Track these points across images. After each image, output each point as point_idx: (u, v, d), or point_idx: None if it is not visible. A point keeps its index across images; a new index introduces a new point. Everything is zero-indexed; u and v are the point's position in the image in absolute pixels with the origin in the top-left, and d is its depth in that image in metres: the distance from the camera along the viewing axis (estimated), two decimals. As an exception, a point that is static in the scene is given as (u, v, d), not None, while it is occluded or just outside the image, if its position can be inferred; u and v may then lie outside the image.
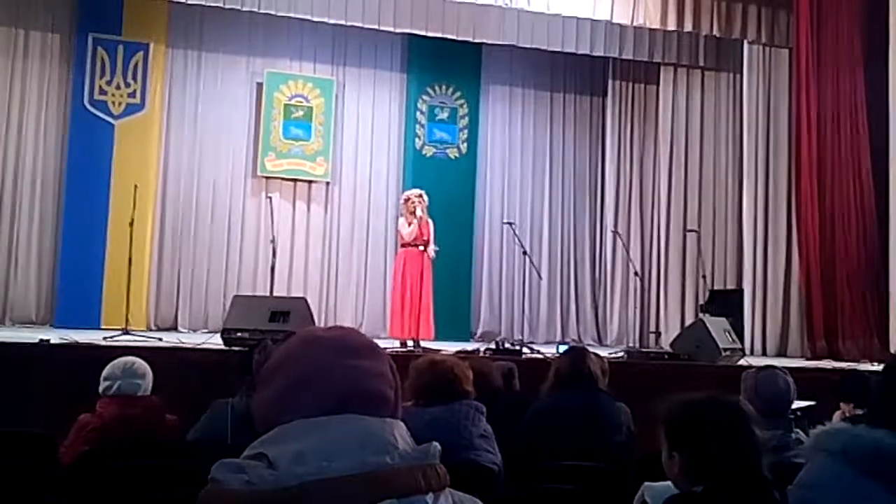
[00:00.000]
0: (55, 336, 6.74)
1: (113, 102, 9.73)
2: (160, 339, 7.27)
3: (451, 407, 3.27)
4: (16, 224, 9.53)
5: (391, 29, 10.07)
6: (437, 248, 8.27)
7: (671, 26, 9.88)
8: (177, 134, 10.17)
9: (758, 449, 2.03)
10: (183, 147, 10.18)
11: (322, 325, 8.69)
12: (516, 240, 9.32)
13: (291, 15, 9.64)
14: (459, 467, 2.30)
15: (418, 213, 8.06)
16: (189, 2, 9.34)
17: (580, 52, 10.70)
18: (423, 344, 7.76)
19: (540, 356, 7.25)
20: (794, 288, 9.97)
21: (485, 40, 10.50)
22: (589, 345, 9.64)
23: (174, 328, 9.73)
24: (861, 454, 1.84)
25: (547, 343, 10.03)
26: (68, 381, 5.28)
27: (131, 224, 8.18)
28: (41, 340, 6.33)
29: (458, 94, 11.06)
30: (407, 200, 8.29)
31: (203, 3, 9.35)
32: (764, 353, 9.85)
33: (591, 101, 11.75)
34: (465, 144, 11.05)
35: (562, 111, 11.63)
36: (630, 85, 11.66)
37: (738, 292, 10.31)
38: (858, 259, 9.26)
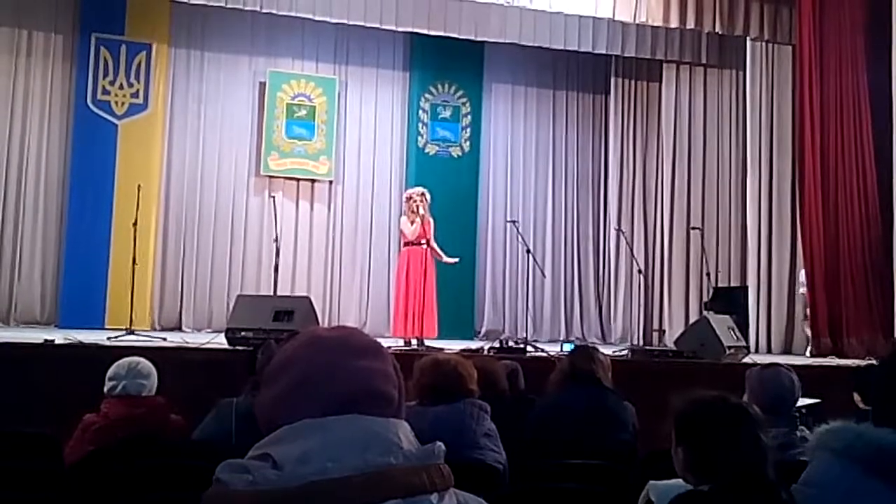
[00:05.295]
0: (59, 336, 6.75)
1: (116, 102, 9.75)
2: (164, 339, 7.27)
3: (456, 406, 3.26)
4: (20, 224, 9.56)
5: (393, 28, 10.08)
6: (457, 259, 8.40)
7: (673, 24, 9.86)
8: (180, 134, 10.19)
9: (762, 453, 2.03)
10: (186, 147, 10.20)
11: (326, 324, 8.71)
12: (519, 238, 9.32)
13: (293, 14, 9.65)
14: (464, 466, 2.30)
15: (420, 211, 8.06)
16: (191, 2, 9.36)
17: (582, 49, 10.69)
18: (426, 342, 7.75)
19: (544, 354, 7.25)
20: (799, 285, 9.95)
21: (487, 38, 10.50)
22: (593, 343, 9.66)
23: (178, 328, 9.74)
24: (864, 453, 1.84)
25: (551, 341, 10.03)
26: (73, 382, 5.27)
27: (135, 224, 8.18)
28: (46, 341, 6.34)
29: (460, 92, 11.07)
30: (409, 199, 8.28)
31: (205, 2, 9.35)
32: (769, 351, 9.85)
33: (593, 99, 11.75)
34: (468, 143, 11.05)
35: (564, 109, 11.63)
36: (633, 82, 11.66)
37: (743, 289, 10.30)
38: (863, 256, 9.23)
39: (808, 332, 9.44)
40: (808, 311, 9.54)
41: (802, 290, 9.71)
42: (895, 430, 1.85)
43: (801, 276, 9.75)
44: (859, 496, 1.83)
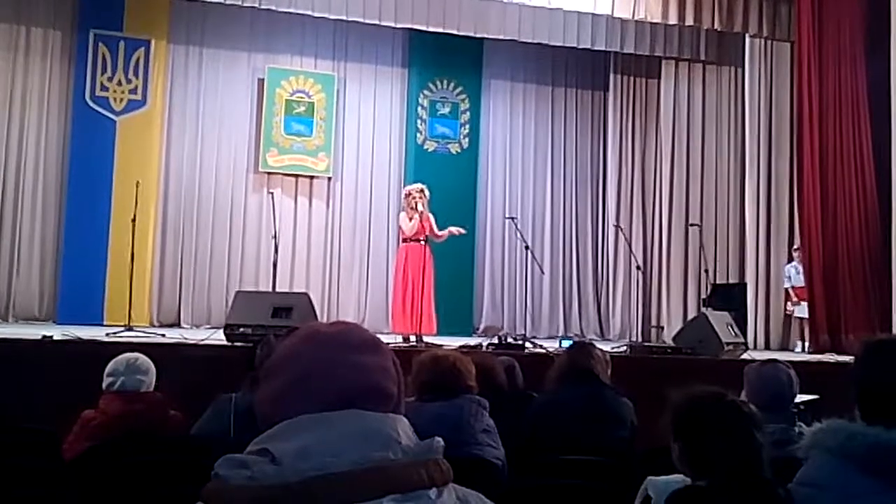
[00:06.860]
0: (58, 332, 6.74)
1: (114, 98, 9.74)
2: (163, 336, 7.28)
3: (454, 402, 3.27)
4: (18, 220, 9.55)
5: (392, 24, 10.07)
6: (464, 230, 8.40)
7: (672, 20, 9.87)
8: (178, 130, 10.18)
9: (756, 449, 2.03)
10: (185, 143, 10.20)
11: (324, 320, 8.69)
12: (518, 234, 9.32)
13: (292, 10, 9.64)
14: (463, 462, 2.30)
15: (419, 207, 8.05)
16: (190, -3, 9.36)
17: (581, 46, 10.68)
18: (425, 339, 7.75)
19: (542, 351, 7.25)
20: (797, 281, 9.98)
21: (486, 35, 10.49)
22: (592, 339, 9.66)
23: (177, 324, 9.75)
24: (859, 451, 1.84)
25: (549, 338, 10.04)
26: (71, 378, 5.27)
27: (133, 220, 8.19)
28: (44, 337, 6.34)
29: (459, 88, 11.06)
30: (408, 195, 8.28)
31: (204, -2, 9.35)
32: (767, 347, 9.86)
33: (592, 96, 11.75)
34: (467, 139, 11.05)
35: (563, 106, 11.63)
36: (631, 79, 11.65)
37: (741, 286, 10.31)
38: (861, 252, 9.24)
39: (795, 313, 9.66)
40: (790, 304, 9.72)
41: (787, 284, 9.83)
42: (887, 427, 1.85)
43: (786, 269, 9.86)
44: (854, 495, 1.83)
